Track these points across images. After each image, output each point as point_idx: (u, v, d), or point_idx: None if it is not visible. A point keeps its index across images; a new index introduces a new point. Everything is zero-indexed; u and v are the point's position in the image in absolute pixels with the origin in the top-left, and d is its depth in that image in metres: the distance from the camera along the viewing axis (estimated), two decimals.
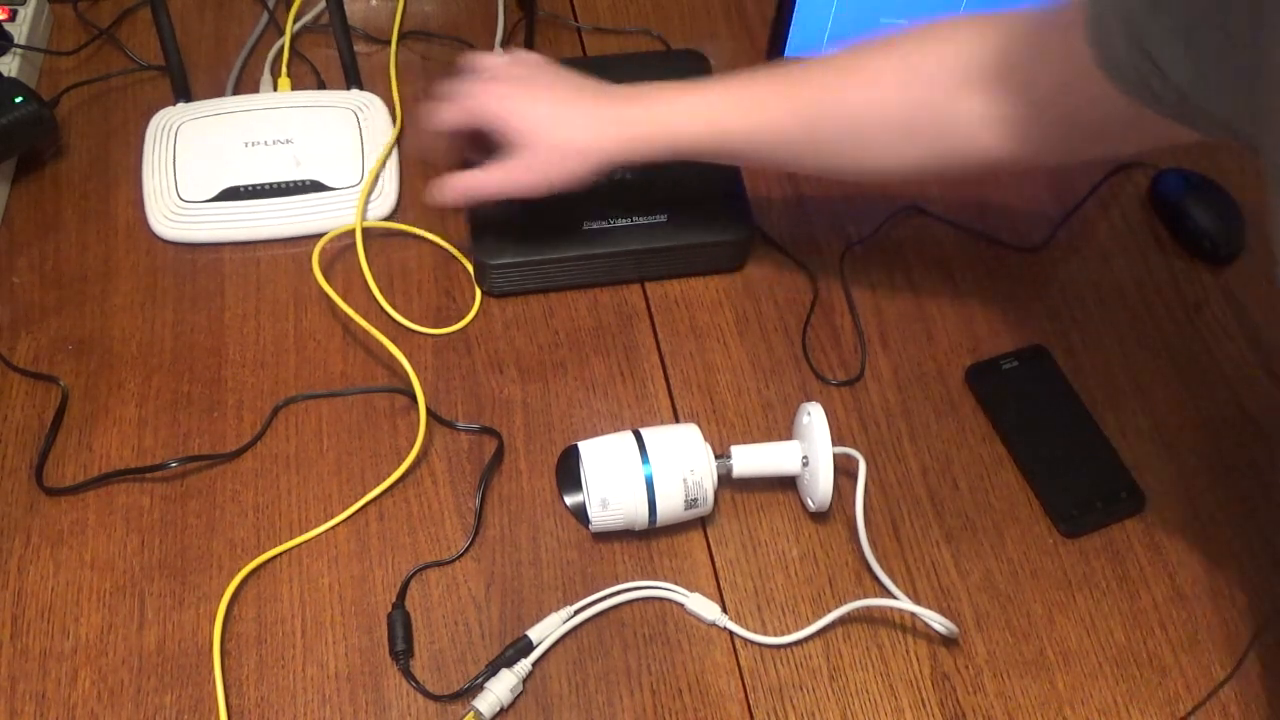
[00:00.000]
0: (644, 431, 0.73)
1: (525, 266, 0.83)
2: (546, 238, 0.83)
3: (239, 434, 0.77)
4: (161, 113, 0.89)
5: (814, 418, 0.73)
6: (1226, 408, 0.82)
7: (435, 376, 0.80)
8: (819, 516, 0.76)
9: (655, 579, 0.73)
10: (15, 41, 0.91)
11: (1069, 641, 0.72)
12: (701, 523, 0.75)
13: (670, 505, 0.71)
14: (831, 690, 0.70)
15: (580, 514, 0.74)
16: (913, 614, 0.71)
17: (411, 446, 0.76)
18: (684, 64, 0.94)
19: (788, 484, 0.77)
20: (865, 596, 0.72)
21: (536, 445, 0.78)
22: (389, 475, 0.75)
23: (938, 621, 0.69)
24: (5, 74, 0.87)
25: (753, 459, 0.74)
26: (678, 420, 0.80)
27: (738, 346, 0.83)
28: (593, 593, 0.72)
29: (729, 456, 0.74)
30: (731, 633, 0.71)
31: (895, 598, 0.71)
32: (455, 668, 0.69)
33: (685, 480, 0.71)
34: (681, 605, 0.72)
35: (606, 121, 0.73)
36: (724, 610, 0.72)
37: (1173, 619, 0.74)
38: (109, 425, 0.77)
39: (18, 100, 0.83)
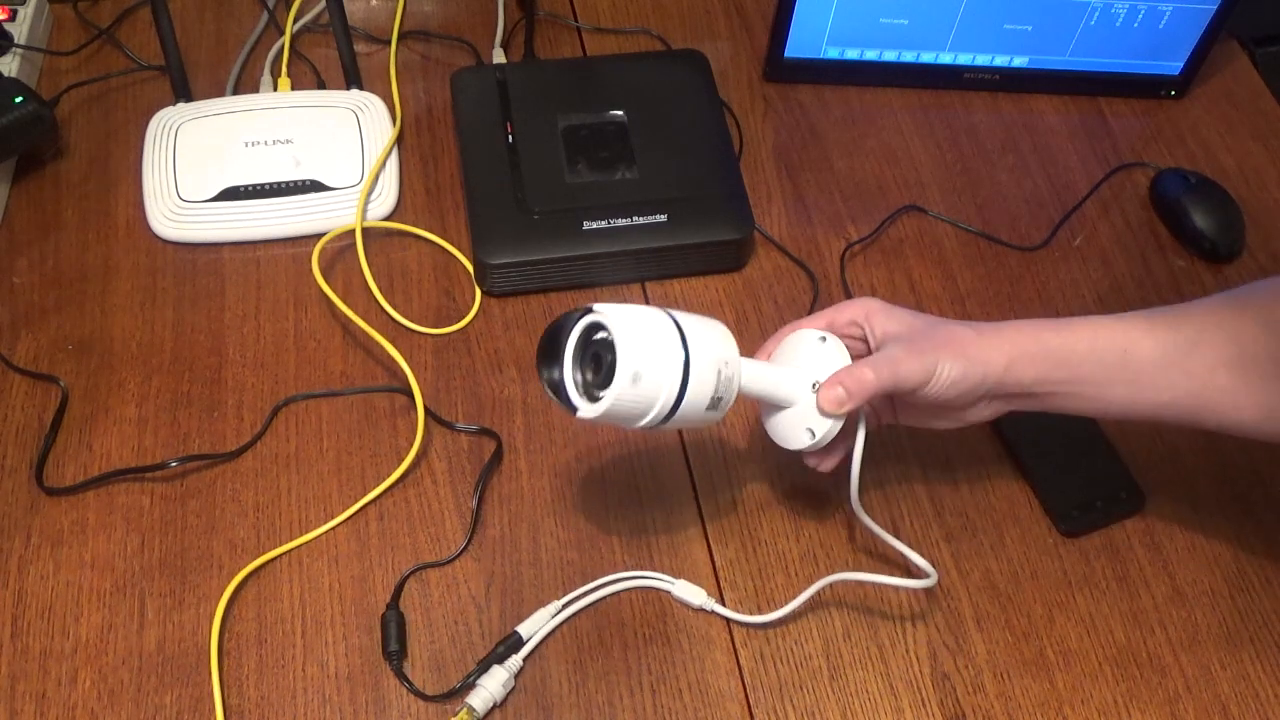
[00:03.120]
0: (675, 313, 0.63)
1: (525, 266, 0.83)
2: (546, 238, 0.82)
3: (239, 434, 0.77)
4: (161, 113, 0.89)
5: (829, 339, 0.66)
6: None
7: (435, 376, 0.80)
8: (818, 515, 0.76)
9: (579, 600, 0.72)
10: (15, 41, 0.91)
11: (1069, 641, 0.72)
12: (701, 521, 0.75)
13: (698, 396, 0.62)
14: (831, 690, 0.70)
15: (559, 391, 0.63)
16: (902, 554, 0.69)
17: (411, 446, 0.76)
18: (684, 64, 0.94)
19: (785, 483, 0.77)
20: (865, 593, 0.73)
21: (536, 445, 0.78)
22: (389, 475, 0.75)
23: (917, 560, 0.68)
24: (5, 74, 0.87)
25: (762, 375, 0.66)
26: None
27: (738, 346, 0.83)
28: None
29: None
30: (722, 617, 0.71)
31: (886, 569, 0.69)
32: (455, 667, 0.69)
33: (719, 372, 0.62)
34: (668, 592, 0.72)
35: (988, 329, 0.65)
36: (709, 595, 0.72)
37: (1173, 619, 0.74)
38: (109, 425, 0.77)
39: (18, 100, 0.83)
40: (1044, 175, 0.95)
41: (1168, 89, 0.99)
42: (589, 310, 0.61)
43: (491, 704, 0.67)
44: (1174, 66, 0.97)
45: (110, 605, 0.70)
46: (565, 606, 0.71)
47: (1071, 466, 0.78)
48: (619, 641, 0.71)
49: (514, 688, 0.68)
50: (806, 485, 0.77)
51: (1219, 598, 0.74)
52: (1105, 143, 0.97)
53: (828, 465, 0.68)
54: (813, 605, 0.73)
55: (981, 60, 0.97)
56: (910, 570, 0.72)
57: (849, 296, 0.86)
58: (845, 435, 0.66)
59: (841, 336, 0.67)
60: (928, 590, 0.74)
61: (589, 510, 0.75)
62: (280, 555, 0.72)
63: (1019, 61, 0.97)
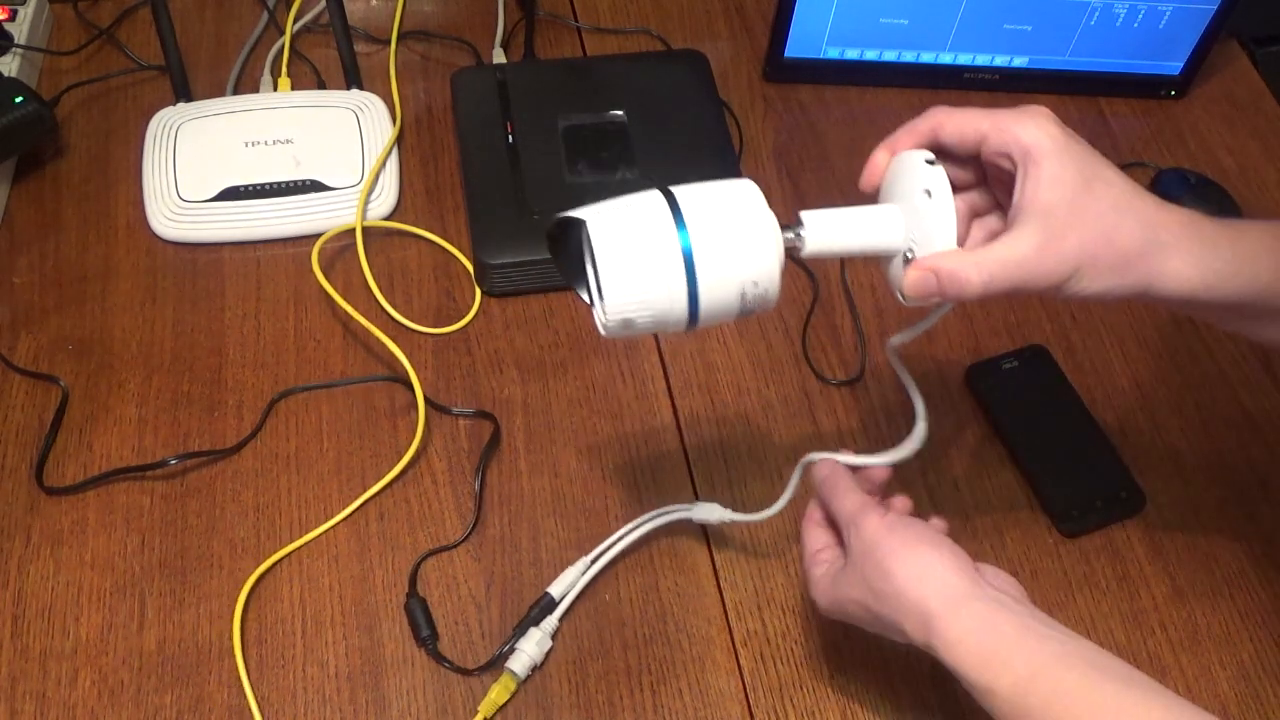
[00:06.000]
0: (683, 205, 0.53)
1: (525, 266, 0.83)
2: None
3: (239, 433, 0.77)
4: (161, 113, 0.89)
5: (936, 194, 0.54)
6: (1226, 408, 0.82)
7: (435, 376, 0.80)
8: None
9: (655, 578, 0.73)
10: (15, 41, 0.91)
11: None
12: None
13: (719, 318, 0.55)
14: (831, 690, 0.70)
15: (592, 304, 0.58)
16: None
17: (411, 445, 0.76)
18: (684, 64, 0.94)
19: (787, 482, 0.77)
20: None
21: (536, 445, 0.78)
22: (389, 473, 0.75)
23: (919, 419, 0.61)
24: (5, 74, 0.87)
25: (836, 232, 0.56)
26: (678, 419, 0.80)
27: (738, 346, 0.83)
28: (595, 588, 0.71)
29: (801, 225, 0.56)
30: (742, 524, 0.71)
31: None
32: (453, 669, 0.69)
33: (744, 295, 0.54)
34: (688, 519, 0.72)
35: (1163, 227, 0.53)
36: (725, 507, 0.72)
37: (1173, 619, 0.74)
38: (109, 425, 0.77)
39: (18, 100, 0.83)
40: None
41: (1168, 89, 0.99)
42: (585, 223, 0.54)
43: (531, 667, 0.68)
44: (1174, 66, 0.97)
45: (110, 605, 0.70)
46: (594, 561, 0.71)
47: (1071, 466, 0.78)
48: (619, 641, 0.71)
49: (551, 648, 0.69)
50: (808, 486, 0.77)
51: (1219, 598, 0.74)
52: (1105, 143, 0.97)
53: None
54: (813, 604, 0.72)
55: (981, 60, 0.97)
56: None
57: (849, 297, 0.86)
58: None
59: (989, 164, 0.56)
60: None
61: (589, 510, 0.75)
62: (291, 552, 0.72)
63: (1019, 61, 0.97)
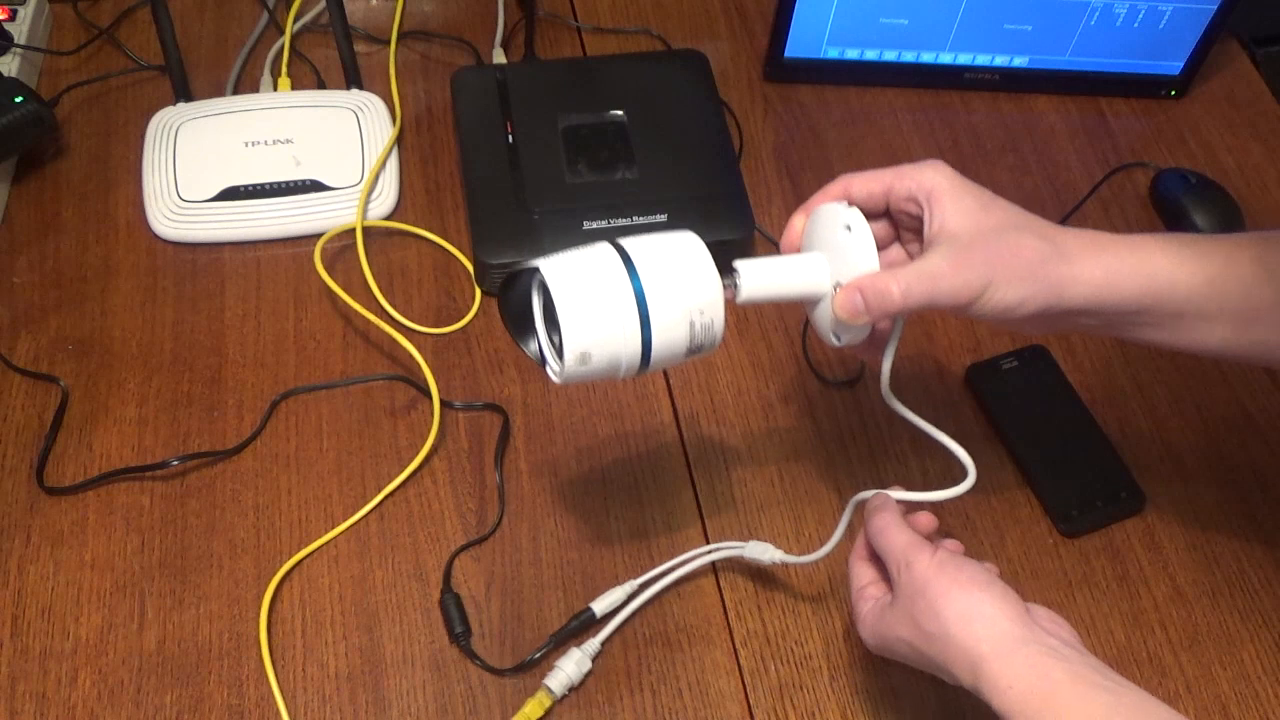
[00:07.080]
0: (630, 249, 0.56)
1: None
2: (546, 238, 0.82)
3: (239, 434, 0.77)
4: (161, 113, 0.89)
5: (855, 229, 0.58)
6: (1226, 408, 0.82)
7: (435, 376, 0.80)
8: (818, 515, 0.76)
9: (657, 582, 0.73)
10: (15, 41, 0.91)
11: None
12: (701, 521, 0.75)
13: (670, 355, 0.57)
14: (831, 690, 0.70)
15: (542, 359, 0.61)
16: (942, 444, 0.63)
17: (411, 445, 0.76)
18: (684, 64, 0.94)
19: (786, 484, 0.77)
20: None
21: (536, 445, 0.78)
22: (389, 474, 0.75)
23: (957, 452, 0.62)
24: (5, 74, 0.87)
25: (768, 278, 0.60)
26: (678, 419, 0.80)
27: (738, 346, 0.83)
28: (595, 592, 0.71)
29: (736, 274, 0.59)
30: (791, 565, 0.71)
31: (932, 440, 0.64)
32: (455, 668, 0.69)
33: (693, 324, 0.57)
34: (740, 556, 0.71)
35: (1078, 246, 0.57)
36: (776, 548, 0.71)
37: (1173, 619, 0.74)
38: (109, 425, 0.77)
39: (18, 100, 0.83)
40: (1044, 175, 0.95)
41: (1168, 89, 0.99)
42: (537, 270, 0.56)
43: (569, 687, 0.68)
44: (1174, 66, 0.97)
45: (110, 605, 0.70)
46: (643, 587, 0.71)
47: (1071, 466, 0.78)
48: (619, 641, 0.71)
49: (590, 670, 0.69)
50: (808, 487, 0.77)
51: (1219, 598, 0.74)
52: (1105, 143, 0.97)
53: (876, 358, 0.63)
54: (813, 604, 0.73)
55: (981, 60, 0.97)
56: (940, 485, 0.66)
57: None
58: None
59: (897, 212, 0.61)
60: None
61: (589, 510, 0.75)
62: (313, 551, 0.72)
63: (1019, 61, 0.97)
